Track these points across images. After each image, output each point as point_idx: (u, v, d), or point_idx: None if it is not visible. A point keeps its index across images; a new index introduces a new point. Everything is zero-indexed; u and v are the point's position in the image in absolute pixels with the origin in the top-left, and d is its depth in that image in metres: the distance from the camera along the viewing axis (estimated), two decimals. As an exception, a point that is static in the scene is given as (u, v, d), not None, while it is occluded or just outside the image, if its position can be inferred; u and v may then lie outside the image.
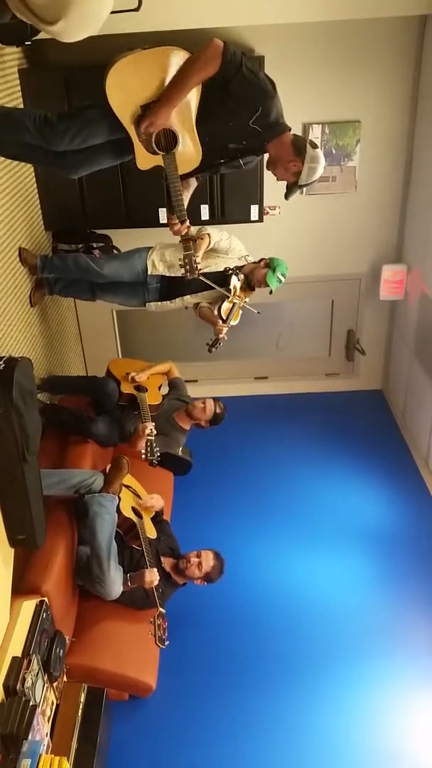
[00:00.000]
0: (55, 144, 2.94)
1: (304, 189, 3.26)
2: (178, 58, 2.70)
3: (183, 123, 2.84)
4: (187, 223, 3.21)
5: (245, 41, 4.48)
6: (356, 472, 5.04)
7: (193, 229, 3.85)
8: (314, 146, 3.10)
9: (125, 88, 2.72)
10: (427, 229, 4.88)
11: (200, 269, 3.28)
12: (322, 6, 3.87)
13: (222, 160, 3.20)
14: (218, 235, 4.13)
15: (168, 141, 2.88)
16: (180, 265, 3.27)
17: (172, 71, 2.70)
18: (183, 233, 3.24)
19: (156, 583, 3.32)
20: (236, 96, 2.81)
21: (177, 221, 3.19)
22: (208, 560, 3.61)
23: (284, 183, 3.23)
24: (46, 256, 4.36)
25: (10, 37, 3.81)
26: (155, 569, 3.35)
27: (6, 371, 2.33)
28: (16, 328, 4.09)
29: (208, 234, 4.07)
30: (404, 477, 4.99)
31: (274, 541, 4.41)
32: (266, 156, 3.21)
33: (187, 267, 3.21)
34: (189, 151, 2.92)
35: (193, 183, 3.39)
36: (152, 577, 3.31)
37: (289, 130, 3.08)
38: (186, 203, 3.23)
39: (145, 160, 2.93)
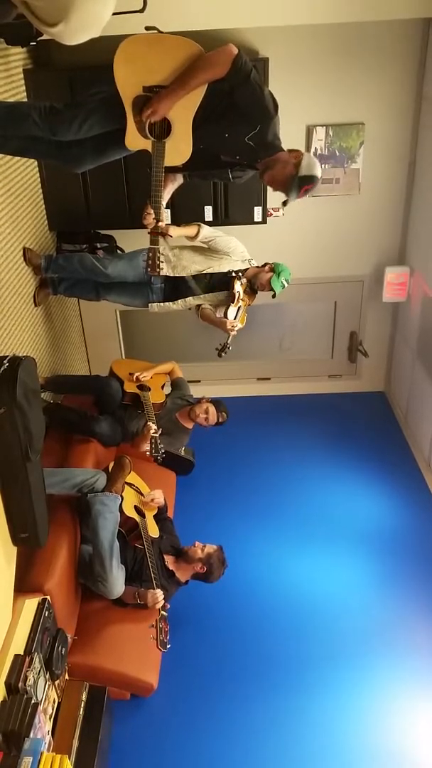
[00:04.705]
0: (61, 133, 2.93)
1: (304, 193, 3.15)
2: (190, 52, 2.68)
3: (181, 117, 2.81)
4: (162, 215, 3.09)
5: (250, 43, 4.50)
6: (358, 473, 5.04)
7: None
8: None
9: (133, 64, 2.70)
10: (430, 231, 4.88)
11: (162, 268, 3.15)
12: (326, 8, 3.88)
13: (211, 168, 3.17)
14: (211, 232, 4.13)
15: (162, 129, 2.86)
16: (143, 258, 3.15)
17: (182, 63, 2.69)
18: (152, 225, 3.10)
19: (161, 604, 3.30)
20: (238, 106, 2.80)
21: (151, 211, 3.08)
22: (211, 547, 3.67)
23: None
24: (51, 256, 4.37)
25: (15, 37, 3.83)
26: (159, 591, 3.33)
27: (10, 370, 2.34)
28: (20, 327, 4.10)
29: (199, 225, 4.06)
30: (406, 478, 4.99)
31: (276, 541, 4.41)
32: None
33: (149, 261, 3.09)
34: (179, 144, 2.88)
35: (180, 179, 3.35)
36: (155, 599, 3.29)
37: (283, 151, 3.07)
38: (168, 196, 3.17)
39: (135, 140, 2.88)
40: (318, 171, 3.13)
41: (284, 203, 3.19)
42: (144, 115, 2.76)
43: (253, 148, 2.95)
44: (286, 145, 3.11)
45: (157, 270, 3.10)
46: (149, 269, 3.11)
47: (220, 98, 2.80)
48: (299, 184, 3.09)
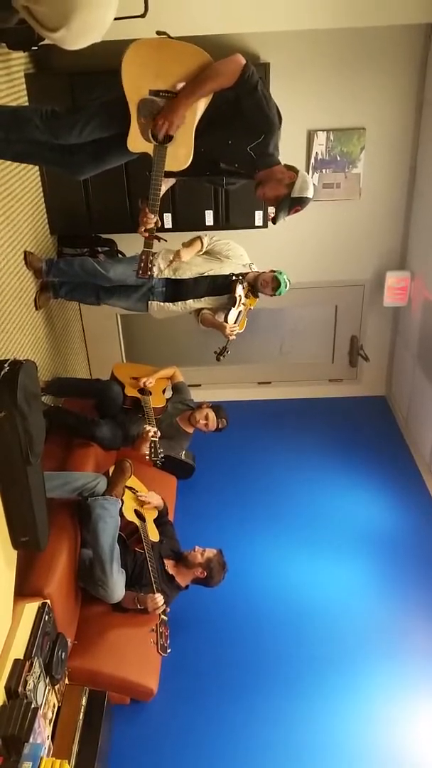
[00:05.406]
0: (63, 137, 2.93)
1: (294, 212, 3.21)
2: (199, 60, 2.70)
3: (185, 124, 2.83)
4: (156, 218, 3.06)
5: (251, 48, 4.51)
6: (359, 477, 5.04)
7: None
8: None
9: (141, 67, 2.71)
10: (431, 236, 4.89)
11: (152, 270, 3.13)
12: (328, 13, 3.89)
13: (207, 173, 3.17)
14: (210, 237, 4.15)
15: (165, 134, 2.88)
16: (136, 262, 3.13)
17: (190, 69, 2.70)
18: (149, 228, 3.07)
19: (161, 608, 3.30)
20: (245, 115, 2.82)
21: (149, 214, 3.05)
22: (210, 551, 3.67)
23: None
24: (52, 260, 4.38)
25: (17, 41, 3.84)
26: (159, 594, 3.33)
27: (11, 374, 2.34)
28: (21, 331, 4.10)
29: (200, 238, 4.08)
30: (407, 482, 4.99)
31: (276, 544, 4.41)
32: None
33: (141, 264, 3.05)
34: (180, 149, 2.89)
35: (171, 180, 3.34)
36: (155, 604, 3.28)
37: (280, 164, 3.09)
38: (160, 194, 3.19)
39: (137, 143, 2.88)
40: (310, 192, 3.18)
41: (273, 221, 3.23)
42: (159, 129, 2.77)
43: (253, 158, 2.97)
44: (287, 151, 3.12)
45: (148, 273, 3.09)
46: (140, 272, 3.07)
47: (227, 105, 2.82)
48: (290, 204, 3.17)
